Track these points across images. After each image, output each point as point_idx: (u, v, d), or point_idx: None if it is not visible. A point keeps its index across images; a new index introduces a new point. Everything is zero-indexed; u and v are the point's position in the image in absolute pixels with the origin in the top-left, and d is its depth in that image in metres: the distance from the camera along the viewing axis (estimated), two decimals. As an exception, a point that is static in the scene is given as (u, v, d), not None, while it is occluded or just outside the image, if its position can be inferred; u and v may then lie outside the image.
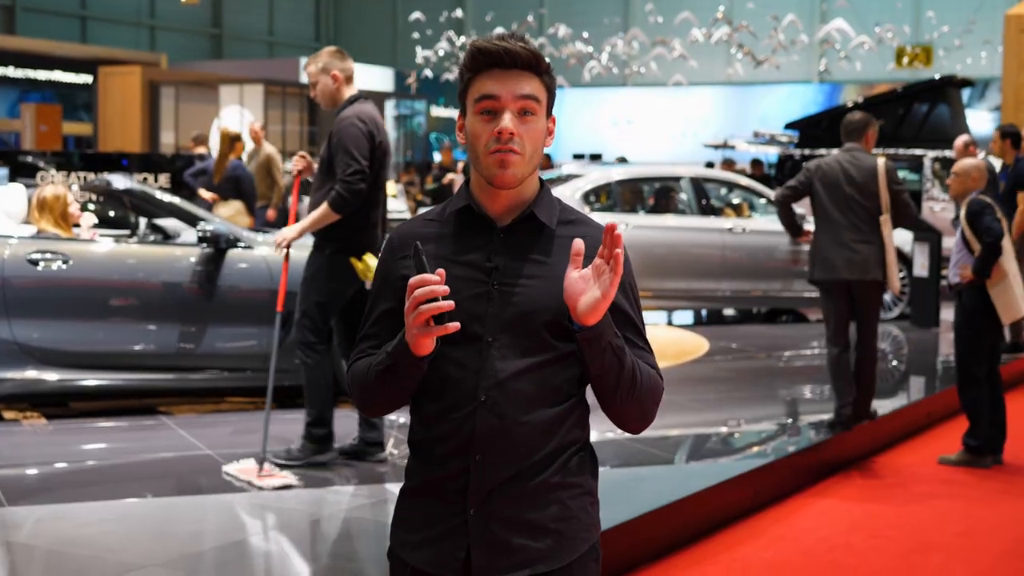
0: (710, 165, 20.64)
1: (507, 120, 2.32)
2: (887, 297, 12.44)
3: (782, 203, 7.79)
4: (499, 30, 33.85)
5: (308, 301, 6.27)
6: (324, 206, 6.05)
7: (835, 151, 7.78)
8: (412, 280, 2.20)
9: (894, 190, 7.39)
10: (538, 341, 2.33)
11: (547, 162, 20.50)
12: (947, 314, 11.85)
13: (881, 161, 7.47)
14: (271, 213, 14.35)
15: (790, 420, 8.25)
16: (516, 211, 2.39)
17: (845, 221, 7.40)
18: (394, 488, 5.91)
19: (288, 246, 6.33)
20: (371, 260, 6.13)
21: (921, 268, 11.82)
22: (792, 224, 7.86)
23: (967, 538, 6.05)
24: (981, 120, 32.38)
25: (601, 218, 10.25)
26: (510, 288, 2.35)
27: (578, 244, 2.22)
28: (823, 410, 8.09)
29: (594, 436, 2.50)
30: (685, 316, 13.58)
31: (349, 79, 6.32)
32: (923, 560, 5.68)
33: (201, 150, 14.87)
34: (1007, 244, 7.21)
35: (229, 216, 12.20)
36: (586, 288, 2.21)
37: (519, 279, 2.35)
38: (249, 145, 14.69)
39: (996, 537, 6.10)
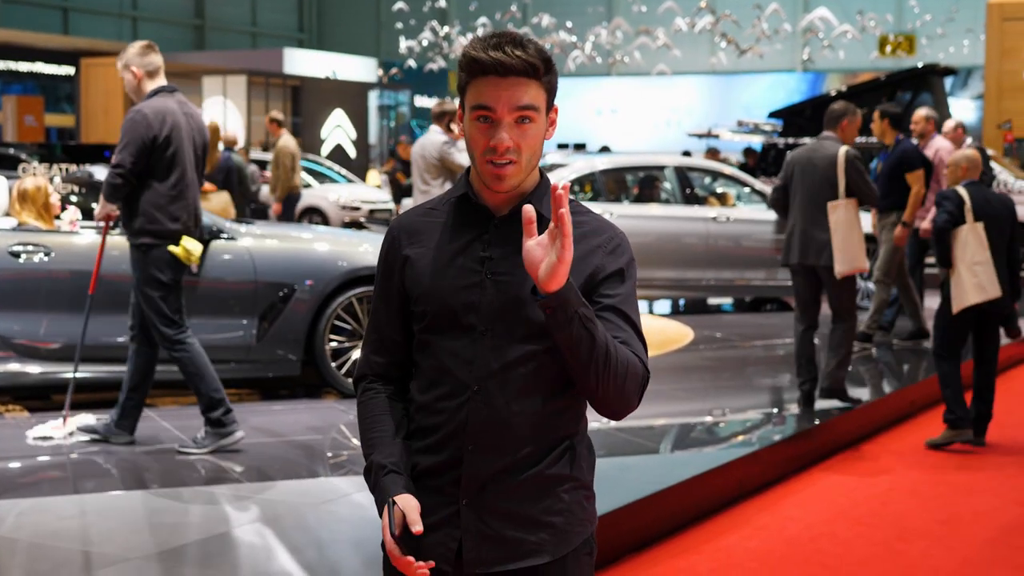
0: (687, 154, 20.66)
1: (503, 135, 2.29)
2: (871, 285, 12.47)
3: (776, 207, 8.17)
4: (482, 19, 33.71)
5: (150, 301, 6.30)
6: (102, 197, 6.33)
7: (808, 140, 7.93)
8: (393, 552, 2.32)
9: (851, 177, 7.60)
10: (532, 331, 2.31)
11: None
12: (930, 301, 11.87)
13: (843, 150, 7.66)
14: (276, 207, 14.57)
15: (774, 409, 8.26)
16: (514, 202, 2.38)
17: (805, 207, 7.70)
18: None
19: (107, 230, 6.61)
20: (188, 243, 6.26)
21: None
22: None
23: (950, 526, 6.06)
24: (964, 108, 32.49)
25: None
26: (504, 278, 2.34)
27: (528, 212, 2.16)
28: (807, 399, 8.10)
29: (579, 426, 2.48)
30: (670, 305, 13.58)
31: (151, 74, 6.39)
32: (906, 548, 5.69)
33: None
34: (964, 234, 7.28)
35: (217, 206, 12.24)
36: (544, 255, 2.17)
37: (513, 269, 2.33)
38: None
39: (979, 524, 6.11)
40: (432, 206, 2.47)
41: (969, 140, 11.92)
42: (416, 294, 2.39)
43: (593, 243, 2.38)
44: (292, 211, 14.86)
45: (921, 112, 10.60)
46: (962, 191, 7.38)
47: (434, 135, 10.93)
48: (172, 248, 6.24)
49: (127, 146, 6.13)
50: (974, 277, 7.23)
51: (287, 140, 14.95)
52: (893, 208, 9.84)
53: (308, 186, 20.37)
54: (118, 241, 7.65)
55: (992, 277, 7.24)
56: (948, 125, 11.81)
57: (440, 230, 2.41)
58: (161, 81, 6.41)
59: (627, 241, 2.43)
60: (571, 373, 2.31)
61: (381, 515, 2.35)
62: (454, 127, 11.04)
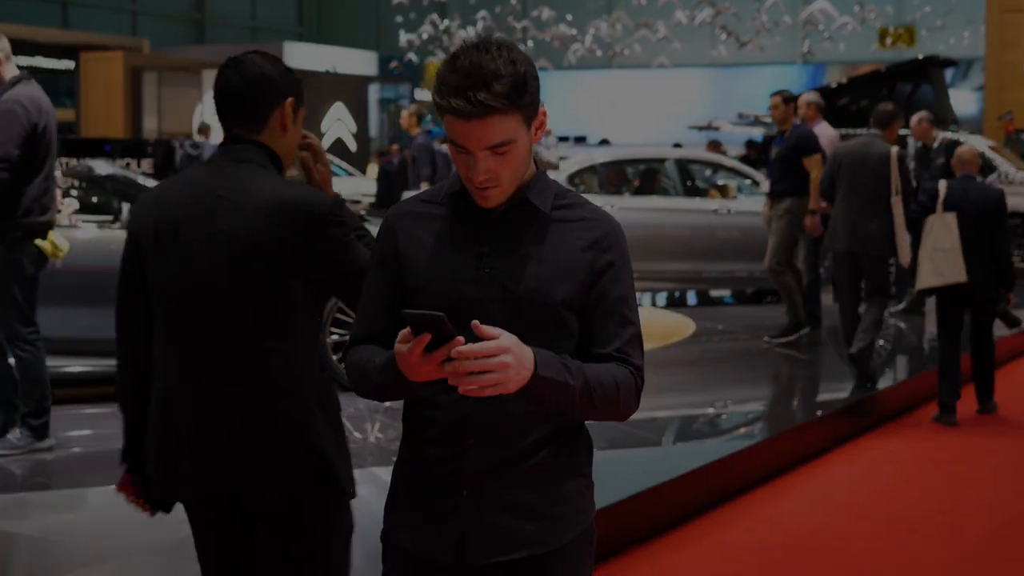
0: (677, 146, 20.59)
1: (479, 168, 2.27)
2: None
3: (826, 196, 8.74)
4: (481, 12, 33.48)
5: (7, 293, 6.09)
6: None
7: (862, 131, 8.70)
8: (465, 350, 2.12)
9: (904, 175, 8.31)
10: (529, 325, 2.30)
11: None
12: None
13: (895, 149, 8.34)
14: None
15: (776, 401, 8.26)
16: (510, 197, 2.37)
17: (855, 200, 8.31)
18: (379, 470, 5.91)
19: None
20: (55, 237, 6.17)
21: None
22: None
23: (952, 518, 6.06)
24: (965, 100, 32.44)
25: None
26: (501, 273, 2.33)
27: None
28: (809, 391, 8.10)
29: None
30: (671, 297, 13.58)
31: (7, 58, 6.23)
32: (908, 540, 5.69)
33: (200, 138, 15.22)
34: (930, 223, 7.76)
35: None
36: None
37: (510, 264, 2.33)
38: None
39: (981, 517, 6.11)
40: (428, 198, 2.46)
41: (941, 135, 11.82)
42: (412, 286, 2.39)
43: (588, 237, 2.38)
44: None
45: (803, 97, 10.49)
46: (942, 184, 7.85)
47: None
48: (39, 242, 6.08)
49: (11, 139, 5.88)
50: (932, 263, 7.73)
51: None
52: (787, 194, 9.68)
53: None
54: (118, 235, 7.65)
55: (955, 264, 7.64)
56: (914, 119, 11.75)
57: (438, 223, 2.40)
58: (15, 68, 6.25)
59: (623, 235, 2.43)
60: None
61: (402, 375, 2.23)
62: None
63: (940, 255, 7.69)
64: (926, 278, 7.77)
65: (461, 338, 2.12)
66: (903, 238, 8.24)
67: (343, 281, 2.92)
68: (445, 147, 13.53)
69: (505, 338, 2.14)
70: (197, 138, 15.22)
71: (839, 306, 8.60)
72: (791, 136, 9.71)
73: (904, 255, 8.29)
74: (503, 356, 2.12)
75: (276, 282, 2.85)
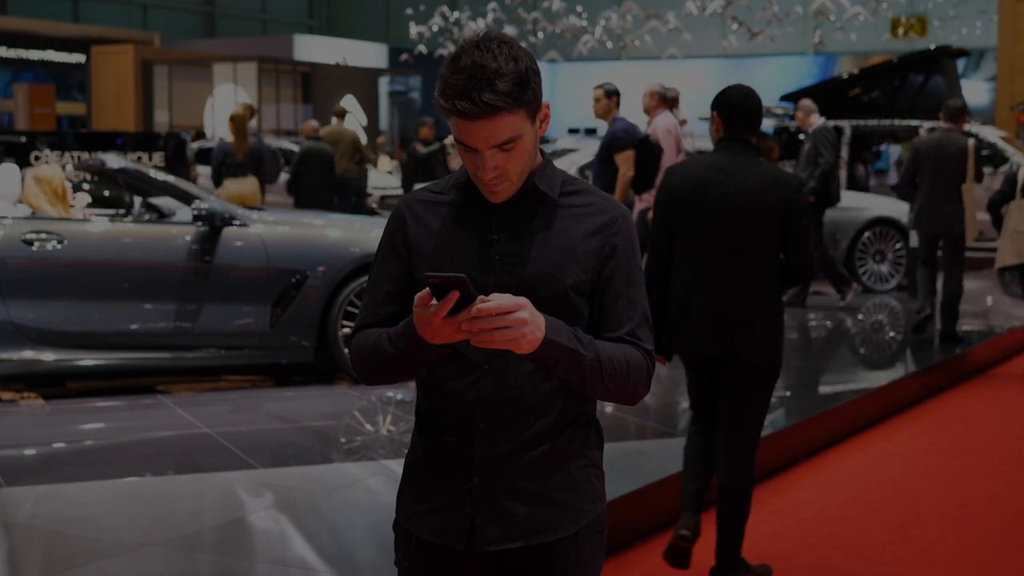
0: None
1: (487, 166, 2.28)
2: (884, 268, 12.52)
3: (908, 186, 9.67)
4: (491, 4, 33.42)
5: None
6: None
7: (938, 125, 10.13)
8: (486, 308, 2.14)
9: (979, 165, 9.31)
10: (539, 309, 2.30)
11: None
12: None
13: (971, 142, 9.35)
14: None
15: (787, 393, 8.25)
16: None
17: (938, 188, 9.31)
18: (391, 463, 5.93)
19: None
20: None
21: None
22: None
23: (964, 510, 6.05)
24: (977, 90, 32.36)
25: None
26: (511, 259, 2.35)
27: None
28: (820, 383, 8.08)
29: (591, 410, 2.49)
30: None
31: None
32: (920, 532, 5.69)
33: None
34: (1011, 208, 8.83)
35: (247, 191, 12.26)
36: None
37: (520, 250, 2.35)
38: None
39: (993, 509, 6.10)
40: (439, 189, 2.47)
41: (822, 120, 11.60)
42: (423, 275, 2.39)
43: (595, 222, 2.40)
44: (345, 199, 15.13)
45: (647, 88, 10.40)
46: (1021, 171, 8.83)
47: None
48: None
49: None
50: (1013, 244, 8.78)
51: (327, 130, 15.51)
52: (604, 190, 9.52)
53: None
54: (130, 228, 7.67)
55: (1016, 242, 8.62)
56: (797, 107, 11.69)
57: (447, 212, 2.42)
58: None
59: (630, 219, 2.45)
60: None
61: (419, 341, 2.25)
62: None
63: (1019, 236, 8.71)
64: (1006, 257, 8.80)
65: (482, 296, 2.15)
66: (972, 219, 9.22)
67: (794, 233, 4.55)
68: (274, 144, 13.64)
69: (522, 299, 2.18)
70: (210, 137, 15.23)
71: (920, 279, 9.70)
72: (608, 131, 9.62)
73: (972, 234, 9.29)
74: (520, 312, 2.15)
75: (764, 227, 4.55)
